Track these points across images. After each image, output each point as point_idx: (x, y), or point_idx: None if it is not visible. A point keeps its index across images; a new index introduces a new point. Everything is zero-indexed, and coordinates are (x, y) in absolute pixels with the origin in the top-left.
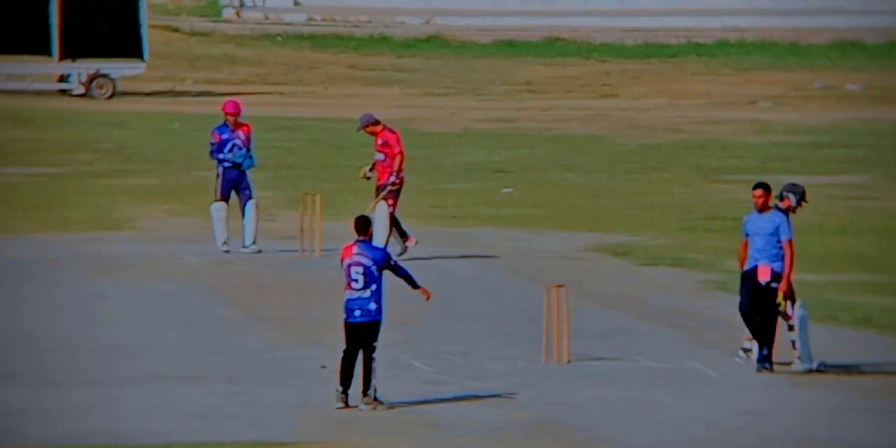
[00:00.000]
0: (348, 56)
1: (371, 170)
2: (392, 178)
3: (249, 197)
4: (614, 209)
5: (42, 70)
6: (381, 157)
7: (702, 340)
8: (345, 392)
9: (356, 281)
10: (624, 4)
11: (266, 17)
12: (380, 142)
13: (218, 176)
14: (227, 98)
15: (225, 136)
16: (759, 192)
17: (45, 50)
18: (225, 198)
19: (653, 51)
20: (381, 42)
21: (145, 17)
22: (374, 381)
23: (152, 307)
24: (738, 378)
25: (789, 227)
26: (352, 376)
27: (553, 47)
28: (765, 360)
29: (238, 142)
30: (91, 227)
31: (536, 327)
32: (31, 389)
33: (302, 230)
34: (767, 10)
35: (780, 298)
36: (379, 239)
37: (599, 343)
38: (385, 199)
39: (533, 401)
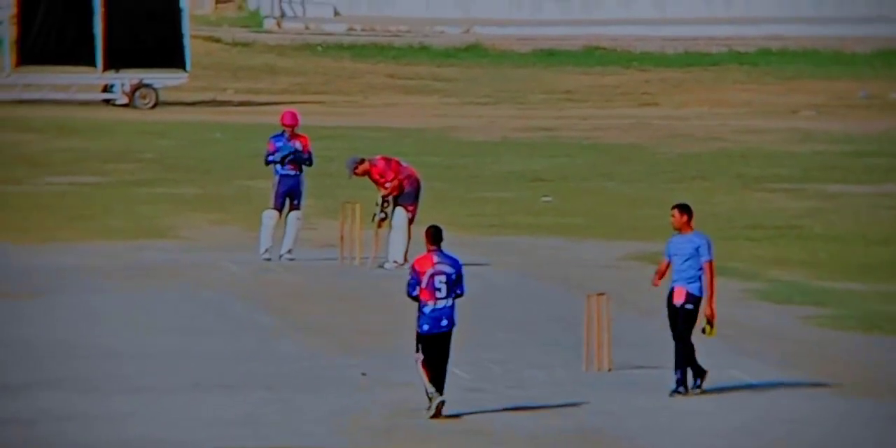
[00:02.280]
0: (387, 65)
1: (382, 209)
2: (386, 191)
3: (297, 207)
4: (654, 218)
5: (86, 80)
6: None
7: (744, 349)
8: (440, 390)
9: (439, 290)
10: (664, 13)
11: (306, 28)
12: (376, 176)
13: (274, 185)
14: (274, 109)
15: (280, 145)
16: (675, 212)
17: (89, 60)
18: (278, 207)
19: (693, 59)
20: (420, 51)
21: (188, 28)
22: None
23: (193, 315)
24: (781, 387)
25: (710, 248)
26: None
27: (593, 56)
28: (678, 384)
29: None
30: (134, 235)
31: (576, 336)
32: (75, 396)
33: (342, 239)
34: (810, 19)
35: (704, 324)
36: (397, 247)
37: (640, 352)
38: (405, 206)
39: (573, 409)
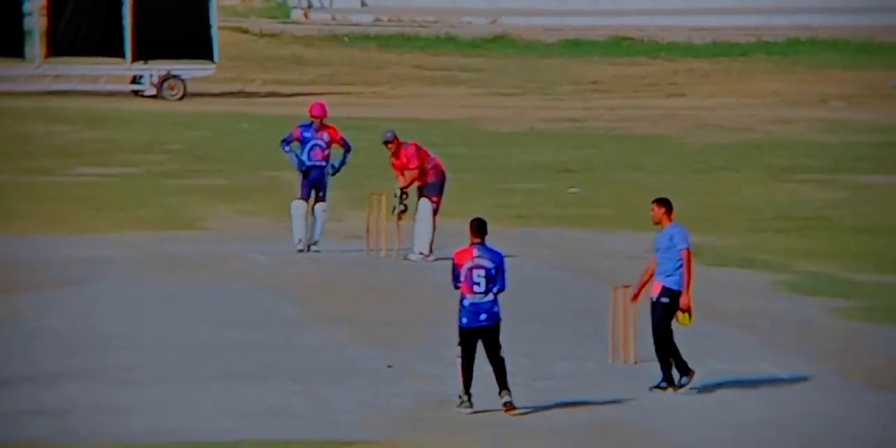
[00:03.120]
0: (414, 56)
1: (402, 201)
2: (405, 183)
3: (322, 199)
4: (682, 209)
5: (115, 71)
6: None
7: (773, 342)
8: (469, 397)
9: (478, 284)
10: (692, 3)
11: (333, 18)
12: (403, 159)
13: (301, 175)
14: (301, 100)
15: (307, 135)
16: (653, 205)
17: (118, 52)
18: (305, 197)
19: (721, 49)
20: (447, 42)
21: (215, 19)
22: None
23: (221, 306)
24: (809, 380)
25: (684, 235)
26: (472, 380)
27: (620, 46)
28: (662, 379)
29: (321, 143)
30: (162, 226)
31: (603, 328)
32: (106, 386)
33: (368, 230)
34: (840, 8)
35: (680, 317)
36: (423, 238)
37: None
38: (429, 196)
39: (600, 401)
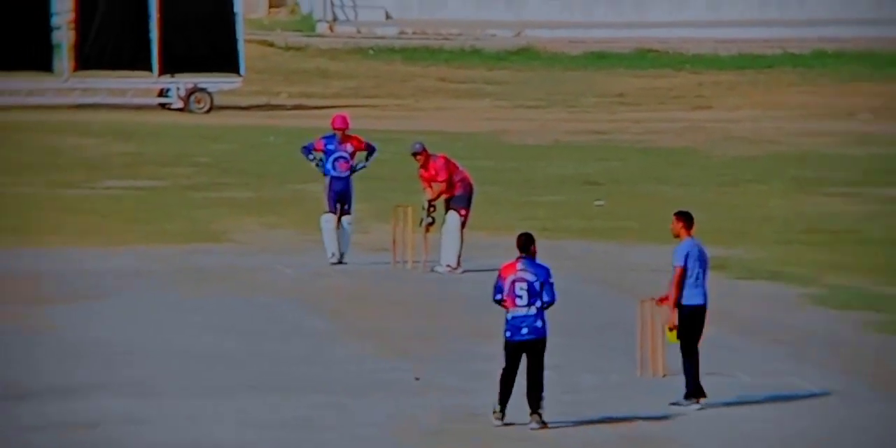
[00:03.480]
0: (439, 69)
1: (429, 214)
2: (433, 195)
3: (347, 212)
4: (709, 222)
5: (142, 85)
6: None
7: (802, 356)
8: (503, 410)
9: (520, 297)
10: (717, 15)
11: (358, 31)
12: (432, 171)
13: (326, 187)
14: (326, 112)
15: (331, 148)
16: (673, 218)
17: (145, 65)
18: (333, 209)
19: (747, 62)
20: (471, 55)
21: (241, 33)
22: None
23: (249, 318)
24: (839, 394)
25: (677, 253)
26: (510, 394)
27: (645, 59)
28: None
29: (345, 154)
30: (189, 239)
31: (630, 341)
32: (135, 398)
33: (394, 242)
34: (867, 20)
35: (667, 335)
36: (450, 251)
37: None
38: (457, 209)
39: (628, 415)
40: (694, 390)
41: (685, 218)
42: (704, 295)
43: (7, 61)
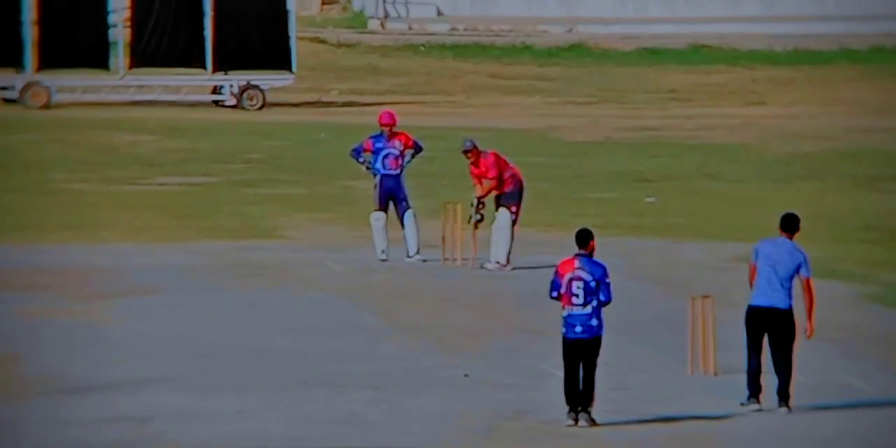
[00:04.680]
0: (490, 65)
1: (478, 211)
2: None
3: (407, 207)
4: (762, 219)
5: (196, 82)
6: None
7: (856, 354)
8: (574, 411)
9: (577, 296)
10: (772, 10)
11: (410, 28)
12: (482, 168)
13: (375, 185)
14: (378, 109)
15: (379, 146)
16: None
17: (199, 63)
18: (383, 207)
19: (803, 57)
20: (522, 51)
21: (294, 30)
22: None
23: (300, 314)
24: (894, 393)
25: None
26: (578, 394)
27: (698, 54)
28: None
29: (394, 151)
30: (242, 235)
31: (681, 339)
32: (187, 393)
33: (444, 239)
34: None
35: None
36: (499, 247)
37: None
38: (508, 206)
39: (678, 413)
40: (753, 391)
41: (781, 220)
42: (771, 297)
43: (65, 59)
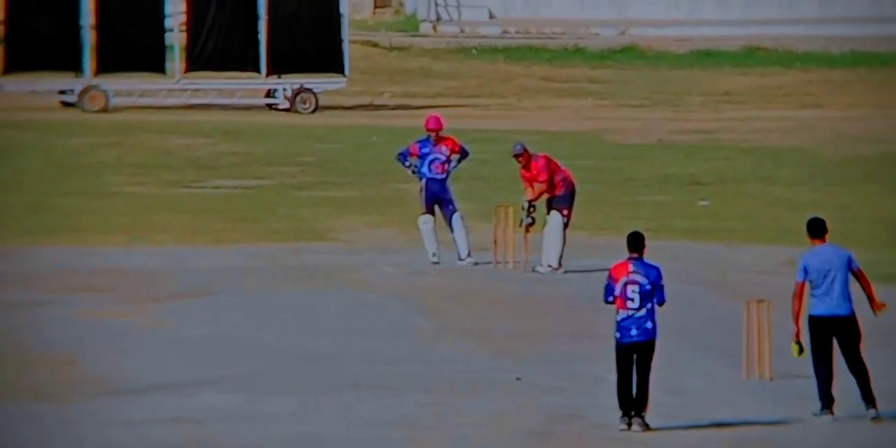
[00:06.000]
0: (542, 68)
1: (529, 214)
2: (533, 196)
3: (454, 210)
4: None
5: (250, 86)
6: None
7: None
8: (628, 415)
9: (632, 300)
10: (828, 12)
11: (462, 31)
12: (533, 171)
13: (421, 189)
14: (429, 112)
15: (425, 151)
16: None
17: (253, 66)
18: (430, 210)
19: (860, 59)
20: (574, 54)
21: (346, 33)
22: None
23: (352, 317)
24: None
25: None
26: (633, 398)
27: (753, 56)
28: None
29: (441, 156)
30: (295, 237)
31: (736, 343)
32: (241, 395)
33: (495, 242)
34: None
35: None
36: (551, 250)
37: (804, 361)
38: (559, 209)
39: (733, 418)
40: (826, 402)
41: (807, 225)
42: (831, 306)
43: (122, 63)
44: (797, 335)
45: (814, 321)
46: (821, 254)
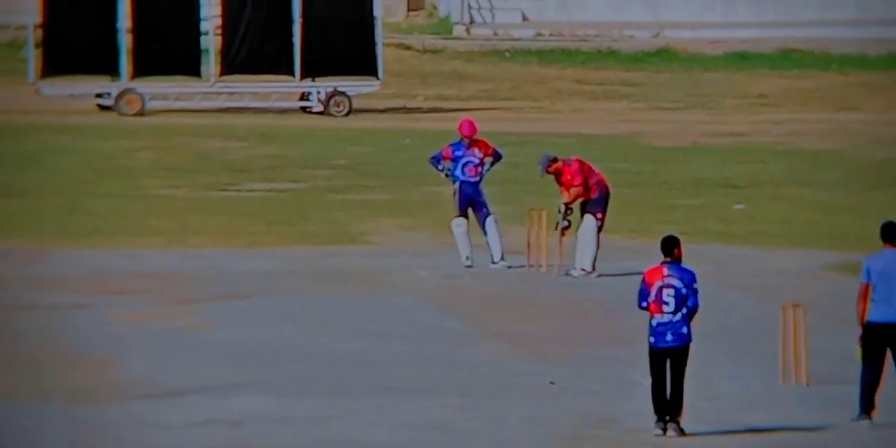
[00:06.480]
0: (575, 71)
1: (565, 217)
2: (568, 200)
3: (487, 214)
4: (854, 226)
5: (284, 89)
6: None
7: None
8: (663, 420)
9: (667, 304)
10: (865, 14)
11: (495, 34)
12: (567, 177)
13: (455, 192)
14: (462, 115)
15: (458, 154)
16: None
17: (287, 70)
18: (463, 213)
19: None
20: (608, 56)
21: (380, 36)
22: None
23: (385, 320)
24: None
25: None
26: (667, 403)
27: (788, 59)
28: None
29: (474, 159)
30: (328, 240)
31: (771, 348)
32: (276, 398)
33: (529, 246)
34: None
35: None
36: (585, 254)
37: (841, 366)
38: (593, 213)
39: (769, 424)
40: (866, 407)
41: (881, 228)
42: (891, 313)
43: (158, 66)
44: (861, 338)
45: (869, 328)
46: (885, 257)
